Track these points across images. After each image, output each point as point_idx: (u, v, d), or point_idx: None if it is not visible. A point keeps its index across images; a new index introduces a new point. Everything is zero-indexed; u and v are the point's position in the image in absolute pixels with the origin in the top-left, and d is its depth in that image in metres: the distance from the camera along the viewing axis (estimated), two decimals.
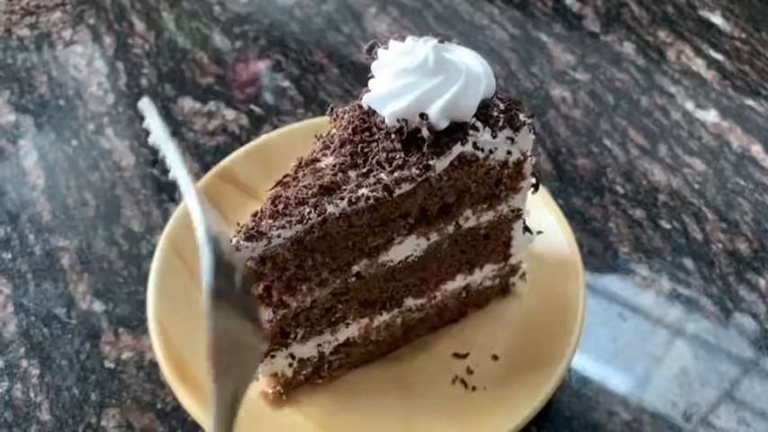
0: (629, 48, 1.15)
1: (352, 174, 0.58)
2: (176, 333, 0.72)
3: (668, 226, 0.91)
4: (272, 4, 1.22)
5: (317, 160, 0.60)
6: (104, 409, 0.75)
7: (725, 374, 0.79)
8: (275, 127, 1.01)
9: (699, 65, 1.12)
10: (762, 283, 0.86)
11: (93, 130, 1.02)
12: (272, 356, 0.67)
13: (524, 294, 0.78)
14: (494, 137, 0.60)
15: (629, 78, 1.10)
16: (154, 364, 0.77)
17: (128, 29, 1.18)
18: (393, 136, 0.59)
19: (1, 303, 0.84)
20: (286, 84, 1.09)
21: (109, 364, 0.78)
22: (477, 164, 0.61)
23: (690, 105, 1.06)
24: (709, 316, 0.83)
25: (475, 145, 0.60)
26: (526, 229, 0.73)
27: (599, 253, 0.88)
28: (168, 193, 0.94)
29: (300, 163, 0.61)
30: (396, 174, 0.57)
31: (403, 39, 0.63)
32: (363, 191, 0.57)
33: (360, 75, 1.09)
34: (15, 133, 1.02)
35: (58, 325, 0.82)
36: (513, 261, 0.75)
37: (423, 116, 0.58)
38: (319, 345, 0.69)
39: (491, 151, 0.61)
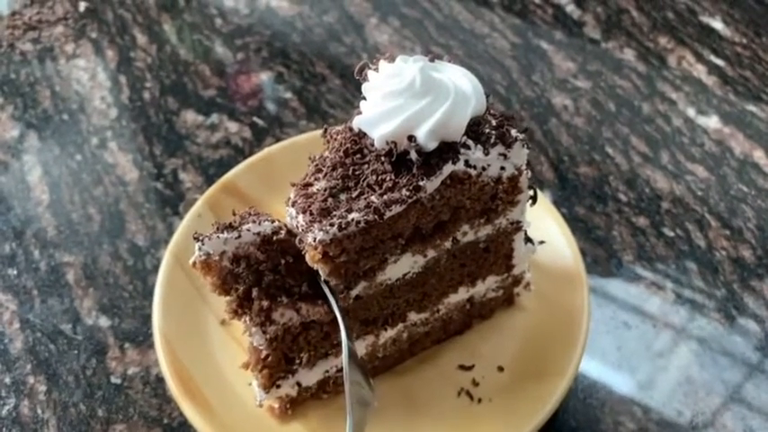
0: (629, 54, 1.15)
1: (343, 197, 0.58)
2: (182, 348, 0.72)
3: (671, 233, 0.91)
4: (273, 16, 1.23)
5: (310, 184, 0.60)
6: (111, 425, 0.75)
7: (730, 382, 0.79)
8: (278, 139, 1.01)
9: (700, 70, 1.12)
10: (766, 289, 0.86)
11: (96, 144, 1.03)
12: (278, 386, 0.67)
13: (529, 305, 0.79)
14: (486, 154, 0.60)
15: (630, 85, 1.10)
16: (160, 379, 0.78)
17: (130, 42, 1.18)
18: (383, 158, 0.59)
19: (7, 320, 0.84)
20: (288, 95, 1.10)
21: (115, 380, 0.78)
22: (470, 181, 0.61)
23: (691, 112, 1.06)
24: (714, 323, 0.83)
25: (467, 163, 0.60)
26: (528, 239, 0.73)
27: (603, 261, 0.88)
28: (172, 206, 0.94)
29: (294, 187, 0.61)
30: (386, 196, 0.58)
31: (403, 52, 0.63)
32: (354, 215, 0.57)
33: (361, 85, 1.09)
34: (19, 148, 1.03)
35: (64, 341, 0.82)
36: (515, 272, 0.75)
37: (411, 138, 0.58)
38: (326, 371, 0.69)
39: (484, 168, 0.61)
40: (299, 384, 0.68)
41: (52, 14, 1.23)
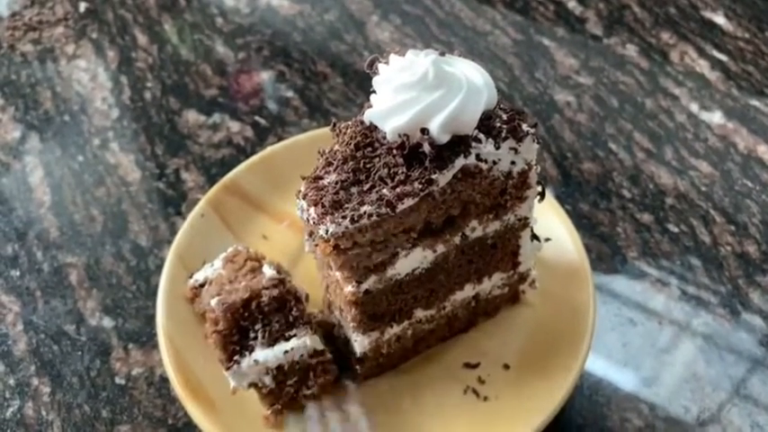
0: (632, 50, 1.15)
1: (354, 190, 0.58)
2: (186, 348, 0.72)
3: (676, 229, 0.91)
4: (274, 15, 1.22)
5: (320, 177, 0.60)
6: (116, 426, 0.75)
7: (736, 377, 0.78)
8: (280, 138, 1.01)
9: (702, 66, 1.12)
10: None
11: (98, 144, 1.03)
12: (239, 364, 0.66)
13: (534, 302, 0.78)
14: (497, 148, 0.60)
15: (632, 81, 1.10)
16: (164, 380, 0.77)
17: (130, 42, 1.18)
18: (395, 151, 0.59)
19: (11, 321, 0.84)
20: (290, 94, 1.09)
21: (119, 381, 0.78)
22: (481, 175, 0.61)
23: (694, 107, 1.06)
24: (719, 319, 0.83)
25: (478, 157, 0.60)
26: (534, 236, 0.73)
27: (607, 258, 0.88)
28: (174, 206, 0.94)
29: (304, 180, 0.61)
30: (398, 189, 0.57)
31: (405, 49, 0.63)
32: (366, 208, 0.57)
33: (363, 83, 1.09)
34: (21, 149, 1.03)
35: (67, 342, 0.82)
36: (521, 269, 0.75)
37: (424, 131, 0.58)
38: (286, 351, 0.67)
39: (495, 162, 0.61)
40: (256, 362, 0.66)
41: (52, 15, 1.23)
